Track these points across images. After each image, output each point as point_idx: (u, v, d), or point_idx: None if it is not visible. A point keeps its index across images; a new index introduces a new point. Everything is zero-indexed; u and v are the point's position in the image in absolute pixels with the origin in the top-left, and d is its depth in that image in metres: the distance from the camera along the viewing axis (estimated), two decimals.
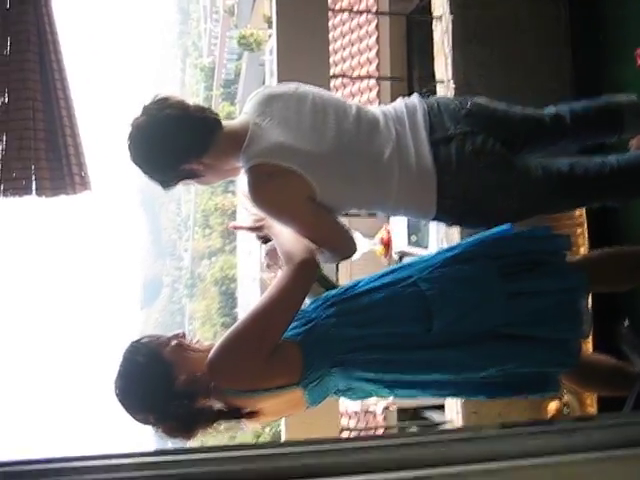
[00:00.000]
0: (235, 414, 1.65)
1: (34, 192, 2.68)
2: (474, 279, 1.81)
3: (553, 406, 2.87)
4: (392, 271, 1.92)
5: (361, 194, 1.96)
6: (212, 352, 1.62)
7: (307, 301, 1.85)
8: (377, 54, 5.88)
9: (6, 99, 2.74)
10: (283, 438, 2.94)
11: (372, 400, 5.43)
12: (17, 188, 2.66)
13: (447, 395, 1.92)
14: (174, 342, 1.72)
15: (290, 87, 2.01)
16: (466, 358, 1.74)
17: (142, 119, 1.84)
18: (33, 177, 2.67)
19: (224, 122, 1.92)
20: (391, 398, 5.42)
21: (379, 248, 3.70)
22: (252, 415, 1.65)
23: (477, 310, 1.76)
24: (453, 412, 3.03)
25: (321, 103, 1.97)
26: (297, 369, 1.64)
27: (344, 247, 1.95)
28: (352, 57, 6.41)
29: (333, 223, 1.93)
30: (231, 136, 1.89)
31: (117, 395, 1.68)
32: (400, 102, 2.07)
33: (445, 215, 1.99)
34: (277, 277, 1.72)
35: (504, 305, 1.77)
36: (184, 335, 1.77)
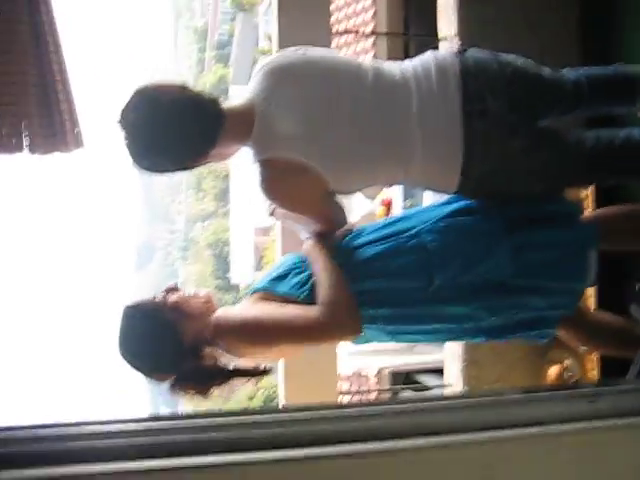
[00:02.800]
0: (249, 372, 1.73)
1: (26, 149, 2.61)
2: (479, 231, 1.78)
3: (554, 370, 2.86)
4: (395, 221, 1.90)
5: (380, 175, 1.83)
6: (224, 318, 1.70)
7: (302, 237, 1.88)
8: (374, 16, 5.78)
9: None
10: (281, 401, 2.93)
11: (365, 363, 5.47)
12: (8, 145, 2.59)
13: (447, 339, 1.92)
14: (171, 299, 1.73)
15: (296, 57, 1.83)
16: (468, 309, 1.75)
17: (142, 110, 1.66)
18: (24, 134, 2.60)
19: (227, 107, 1.76)
20: (385, 360, 5.49)
21: (380, 209, 3.66)
22: (265, 373, 1.73)
23: (479, 263, 1.74)
24: (453, 376, 3.01)
25: (332, 74, 1.79)
26: None
27: (338, 223, 1.89)
28: (348, 18, 6.30)
29: (335, 207, 1.86)
30: (237, 123, 1.73)
31: (126, 357, 1.68)
32: (429, 57, 1.85)
33: (465, 193, 1.85)
34: (316, 311, 1.65)
35: (508, 258, 1.75)
36: (177, 287, 1.78)
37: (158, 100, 1.66)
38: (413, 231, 1.79)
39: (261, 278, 1.89)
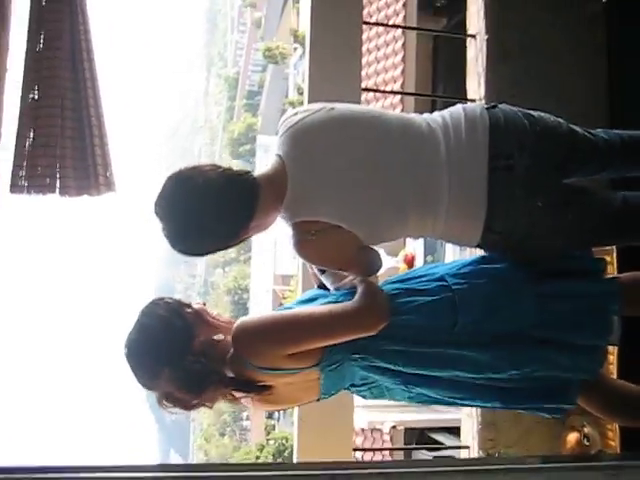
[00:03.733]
0: (248, 385, 1.67)
1: (57, 191, 2.66)
2: (503, 278, 1.79)
3: (572, 437, 2.80)
4: (419, 269, 1.95)
5: (410, 225, 1.82)
6: (249, 320, 1.69)
7: (331, 286, 1.88)
8: (402, 72, 5.88)
9: (36, 95, 2.72)
10: (295, 455, 2.89)
11: (380, 417, 5.40)
12: (41, 185, 2.64)
13: (463, 400, 1.87)
14: (195, 306, 1.75)
15: (323, 115, 1.82)
16: (489, 358, 1.72)
17: (178, 196, 1.67)
18: (57, 175, 2.65)
19: (259, 175, 1.77)
20: (400, 416, 5.42)
21: (402, 266, 3.66)
22: (264, 390, 1.67)
23: (504, 309, 1.74)
24: (469, 437, 2.96)
25: (359, 130, 1.80)
26: (318, 352, 1.67)
27: (374, 270, 1.88)
28: (377, 74, 6.42)
29: (369, 255, 1.84)
30: (271, 190, 1.74)
31: (130, 348, 1.67)
32: (458, 110, 1.86)
33: (487, 248, 1.87)
34: (353, 300, 1.69)
35: (533, 306, 1.75)
36: (205, 304, 1.79)
37: (191, 183, 1.67)
38: (438, 275, 1.81)
39: (285, 305, 1.91)
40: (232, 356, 1.69)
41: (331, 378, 1.72)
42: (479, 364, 1.73)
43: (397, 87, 5.86)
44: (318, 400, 1.79)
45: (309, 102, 3.12)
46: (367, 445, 6.45)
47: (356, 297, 1.69)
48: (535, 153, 1.76)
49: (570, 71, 3.13)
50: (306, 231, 1.72)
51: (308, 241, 1.73)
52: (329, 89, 3.11)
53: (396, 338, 1.71)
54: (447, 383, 1.78)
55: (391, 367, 1.74)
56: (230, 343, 1.72)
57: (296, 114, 1.84)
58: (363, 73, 6.37)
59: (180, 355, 1.65)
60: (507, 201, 1.74)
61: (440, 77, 5.50)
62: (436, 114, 1.88)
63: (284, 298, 17.12)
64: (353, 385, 1.81)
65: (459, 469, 0.83)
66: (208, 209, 1.65)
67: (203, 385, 1.66)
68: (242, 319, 1.71)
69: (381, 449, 5.62)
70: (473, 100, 3.14)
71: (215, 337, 1.72)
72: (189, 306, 1.75)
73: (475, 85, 3.13)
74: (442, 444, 5.40)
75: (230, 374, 1.69)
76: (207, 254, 1.79)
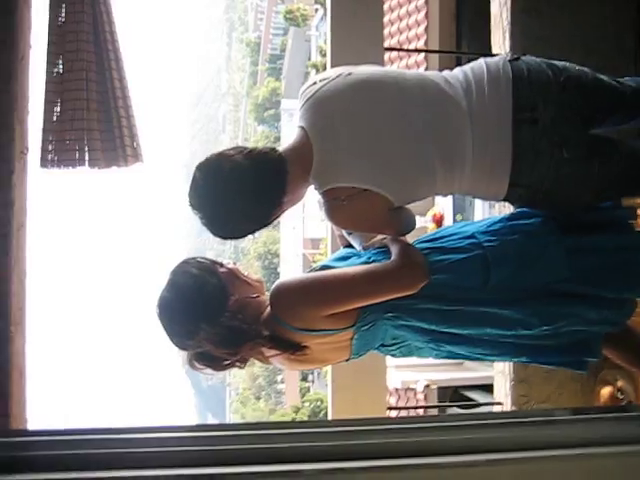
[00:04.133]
0: (285, 344, 1.68)
1: (87, 163, 2.69)
2: (533, 233, 1.80)
3: (606, 391, 2.81)
4: (449, 227, 1.95)
5: (438, 182, 1.81)
6: (288, 281, 1.72)
7: (359, 247, 1.89)
8: (426, 30, 5.79)
9: (60, 69, 2.75)
10: (330, 414, 2.94)
11: (413, 377, 5.45)
12: (71, 159, 2.68)
13: (491, 356, 1.89)
14: (228, 265, 1.77)
15: (339, 81, 1.80)
16: (520, 314, 1.74)
17: (209, 185, 1.68)
18: (86, 148, 2.68)
19: (285, 150, 1.78)
20: (434, 374, 5.46)
21: (431, 225, 3.66)
22: (300, 349, 1.69)
23: (535, 264, 1.75)
24: (502, 394, 2.98)
25: (379, 91, 1.79)
26: (354, 312, 1.70)
27: (408, 230, 1.89)
28: (400, 32, 6.32)
29: (402, 215, 1.85)
30: (298, 163, 1.75)
31: (164, 307, 1.69)
32: (480, 64, 1.83)
33: (513, 200, 1.87)
34: (392, 260, 1.71)
35: (562, 260, 1.75)
36: (235, 264, 1.82)
37: (220, 171, 1.68)
38: (468, 233, 1.83)
39: (319, 263, 1.93)
40: (268, 316, 1.72)
41: (364, 338, 1.75)
42: (510, 321, 1.75)
43: (421, 45, 5.78)
44: (347, 360, 1.82)
45: (332, 64, 3.10)
46: (401, 404, 6.52)
47: (394, 257, 1.71)
48: (560, 104, 1.74)
49: (597, 24, 3.06)
50: (336, 198, 1.72)
51: (340, 207, 1.73)
52: (351, 50, 3.09)
53: (429, 296, 1.73)
54: (477, 340, 1.80)
55: (424, 325, 1.77)
56: (263, 302, 1.76)
57: (314, 83, 1.83)
58: (386, 31, 6.31)
59: (217, 312, 1.67)
60: (533, 155, 1.73)
61: (464, 34, 5.40)
62: (457, 70, 1.86)
63: (314, 262, 17.17)
64: (383, 345, 1.83)
65: (488, 422, 0.85)
66: (240, 194, 1.67)
67: (241, 341, 1.68)
68: (281, 280, 1.74)
69: (415, 407, 5.67)
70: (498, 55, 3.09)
71: (249, 295, 1.75)
72: (221, 265, 1.78)
73: (500, 40, 3.08)
74: (475, 401, 5.44)
75: (265, 332, 1.70)
76: (248, 235, 1.81)
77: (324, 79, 1.83)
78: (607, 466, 0.83)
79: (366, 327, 1.73)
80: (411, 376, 5.51)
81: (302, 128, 1.79)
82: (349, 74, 1.82)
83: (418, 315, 1.75)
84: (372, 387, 2.88)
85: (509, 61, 1.81)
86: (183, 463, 0.84)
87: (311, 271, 1.85)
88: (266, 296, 1.78)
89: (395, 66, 6.36)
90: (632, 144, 1.89)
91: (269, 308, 1.72)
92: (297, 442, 0.88)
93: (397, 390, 6.46)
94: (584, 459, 0.82)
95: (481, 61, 1.85)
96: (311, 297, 1.68)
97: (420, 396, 6.22)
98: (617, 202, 1.92)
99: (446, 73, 1.86)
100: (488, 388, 4.35)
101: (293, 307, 1.68)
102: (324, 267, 1.83)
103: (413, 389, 6.09)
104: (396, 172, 1.75)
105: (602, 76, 1.84)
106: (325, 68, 4.38)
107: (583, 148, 1.76)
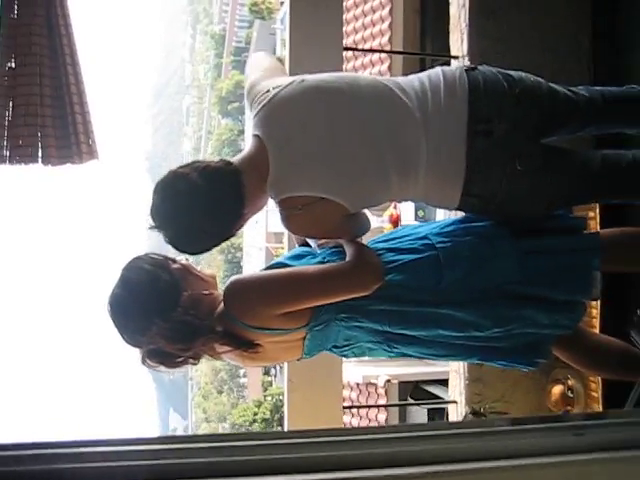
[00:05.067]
0: (238, 341, 1.68)
1: (40, 160, 2.64)
2: (485, 235, 1.81)
3: (557, 390, 2.86)
4: (403, 229, 1.96)
5: (392, 192, 1.81)
6: (242, 278, 1.73)
7: (314, 245, 1.89)
8: (390, 26, 5.80)
9: (12, 64, 2.69)
10: (286, 413, 2.94)
11: (374, 372, 5.49)
12: (24, 155, 2.62)
13: (443, 357, 1.92)
14: (179, 263, 1.76)
15: (292, 89, 1.78)
16: (472, 316, 1.75)
17: (167, 205, 1.66)
18: (39, 145, 2.63)
19: (240, 160, 1.75)
20: (394, 369, 5.51)
21: (388, 226, 3.68)
22: (253, 347, 1.68)
23: (487, 265, 1.77)
24: (456, 393, 3.02)
25: (331, 100, 1.77)
26: (308, 312, 1.70)
27: (362, 233, 1.88)
28: (365, 28, 6.32)
29: (358, 220, 1.85)
30: (255, 174, 1.72)
31: (116, 304, 1.67)
32: (437, 72, 1.82)
33: (467, 210, 1.87)
34: (347, 261, 1.71)
35: (515, 262, 1.77)
36: (188, 260, 1.80)
37: (175, 191, 1.66)
38: (421, 234, 1.85)
39: (274, 260, 1.92)
40: (222, 312, 1.70)
41: (316, 338, 1.75)
42: (462, 322, 1.77)
43: (385, 41, 5.78)
44: (299, 360, 1.82)
45: (291, 58, 3.09)
46: (362, 399, 6.57)
47: (349, 257, 1.71)
48: (514, 117, 1.75)
49: (553, 25, 3.10)
50: (293, 207, 1.72)
51: (296, 216, 1.73)
52: (311, 44, 3.08)
53: (382, 297, 1.73)
54: (429, 342, 1.82)
55: (377, 327, 1.77)
56: (217, 297, 1.74)
57: (268, 91, 1.80)
58: (350, 27, 6.32)
59: (170, 306, 1.65)
60: (486, 166, 1.74)
61: (428, 31, 5.43)
62: (413, 77, 1.86)
63: (276, 255, 17.16)
64: (336, 347, 1.84)
65: (428, 434, 0.86)
66: (198, 213, 1.66)
67: (194, 336, 1.67)
68: (235, 277, 1.73)
69: (370, 406, 5.73)
70: (456, 57, 3.12)
71: (203, 292, 1.74)
72: (174, 261, 1.76)
73: (458, 41, 3.10)
74: (436, 396, 5.51)
75: (219, 328, 1.69)
76: (214, 247, 1.79)
77: (277, 87, 1.80)
78: (546, 476, 0.85)
79: (319, 327, 1.74)
80: (372, 371, 5.55)
81: (257, 137, 1.77)
82: (302, 81, 1.80)
83: (371, 316, 1.75)
84: (329, 383, 2.88)
85: (466, 71, 1.81)
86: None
87: (266, 269, 1.85)
88: (220, 292, 1.77)
89: (358, 62, 6.36)
90: (585, 154, 1.91)
91: (222, 304, 1.71)
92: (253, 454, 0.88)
93: (358, 385, 6.50)
94: (523, 470, 0.84)
95: (438, 70, 1.84)
96: (265, 295, 1.68)
97: (381, 391, 6.27)
98: (568, 211, 1.95)
99: (401, 80, 1.85)
100: (448, 383, 4.41)
101: (246, 304, 1.67)
102: (279, 265, 1.83)
103: (374, 384, 6.14)
104: (352, 179, 1.75)
105: (556, 87, 1.86)
106: None
107: (536, 160, 1.78)
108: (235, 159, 1.76)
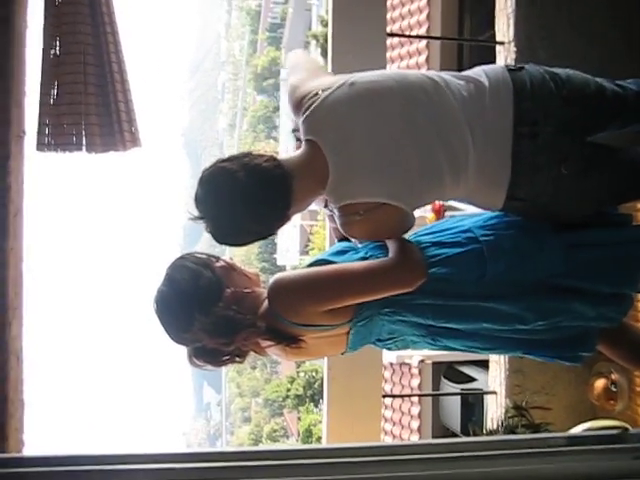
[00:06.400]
0: (280, 335, 1.70)
1: (84, 148, 2.66)
2: (530, 228, 1.80)
3: (600, 383, 2.83)
4: (446, 221, 1.94)
5: (445, 192, 1.80)
6: (286, 276, 1.73)
7: (355, 240, 1.88)
8: (428, 17, 5.71)
9: (57, 51, 2.70)
10: (325, 392, 2.93)
11: (408, 352, 5.50)
12: (68, 143, 2.64)
13: (487, 350, 1.91)
14: (222, 261, 1.78)
15: (344, 92, 1.74)
16: (516, 309, 1.74)
17: (214, 199, 1.64)
18: (83, 132, 2.65)
19: (291, 163, 1.71)
20: (426, 351, 5.52)
21: (430, 216, 3.64)
22: (295, 342, 1.70)
23: (531, 259, 1.76)
24: (496, 384, 3.00)
25: (385, 103, 1.74)
26: (352, 308, 1.70)
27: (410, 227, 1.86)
28: (402, 18, 6.24)
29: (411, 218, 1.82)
30: (308, 179, 1.70)
31: (160, 301, 1.70)
32: (479, 74, 1.79)
33: (510, 212, 1.83)
34: (390, 257, 1.70)
35: (560, 255, 1.76)
36: (232, 259, 1.83)
37: (221, 190, 1.64)
38: (465, 227, 1.83)
39: (316, 256, 1.92)
40: (266, 310, 1.72)
41: (360, 333, 1.76)
42: (506, 316, 1.75)
43: (422, 32, 5.69)
44: (342, 354, 1.82)
45: (333, 36, 3.05)
46: (396, 379, 6.60)
47: (392, 254, 1.70)
48: (561, 119, 1.71)
49: (602, 12, 3.01)
50: (354, 213, 1.70)
51: (357, 222, 1.72)
52: (353, 23, 3.04)
53: (426, 291, 1.72)
54: (473, 335, 1.81)
55: (420, 321, 1.77)
56: (260, 295, 1.76)
57: (317, 95, 1.76)
58: (388, 16, 6.22)
59: (211, 303, 1.67)
60: (531, 169, 1.71)
61: (467, 20, 5.32)
62: (453, 77, 1.80)
63: (311, 233, 17.16)
64: (379, 340, 1.84)
65: (479, 454, 0.85)
66: (243, 213, 1.64)
67: (235, 329, 1.68)
68: (279, 275, 1.74)
69: (410, 395, 5.74)
70: (502, 43, 3.05)
71: (245, 289, 1.75)
72: (218, 259, 1.78)
73: (504, 28, 3.03)
74: (469, 376, 5.50)
75: (261, 324, 1.71)
76: (254, 242, 1.80)
77: (326, 89, 1.77)
78: None
79: (362, 323, 1.74)
80: (406, 351, 5.57)
81: (312, 142, 1.73)
82: (352, 83, 1.77)
83: (415, 311, 1.75)
84: (368, 362, 2.84)
85: (510, 70, 1.77)
86: None
87: (309, 265, 1.85)
88: (263, 289, 1.78)
89: (395, 52, 6.29)
90: (633, 151, 1.87)
91: (266, 302, 1.72)
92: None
93: (392, 365, 6.53)
94: None
95: (480, 70, 1.81)
96: (309, 293, 1.69)
97: (415, 371, 6.29)
98: (614, 208, 1.91)
99: (445, 76, 1.81)
100: (483, 363, 4.39)
101: (291, 302, 1.68)
102: (321, 261, 1.82)
103: (408, 364, 6.15)
104: (411, 182, 1.72)
105: (604, 83, 1.81)
106: (326, 39, 4.31)
107: (582, 163, 1.74)
108: (286, 161, 1.72)
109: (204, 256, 1.77)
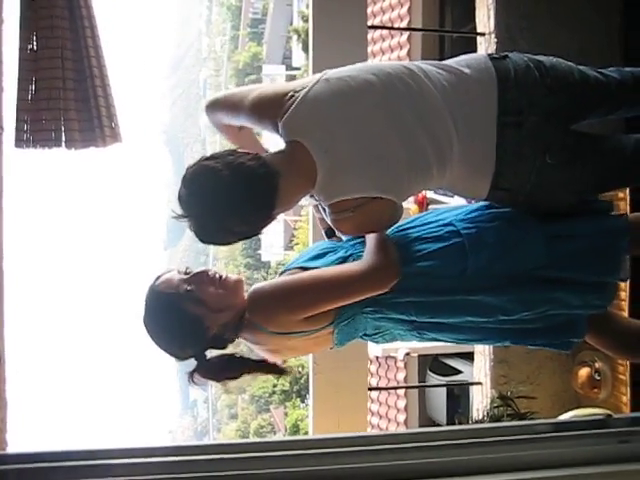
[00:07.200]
0: (264, 367, 1.74)
1: (63, 144, 2.63)
2: (511, 220, 1.80)
3: (584, 372, 2.84)
4: (426, 215, 1.93)
5: (433, 181, 1.79)
6: (262, 288, 1.72)
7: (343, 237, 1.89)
8: (409, 10, 5.70)
9: (34, 46, 2.67)
10: (311, 392, 2.95)
11: (394, 345, 5.52)
12: (47, 139, 2.61)
13: (475, 341, 1.92)
14: (194, 279, 1.71)
15: (321, 89, 1.72)
16: (500, 301, 1.75)
17: (197, 197, 1.61)
18: (62, 128, 2.62)
19: (277, 161, 1.68)
20: (414, 343, 5.54)
21: (413, 207, 3.64)
22: (284, 372, 1.77)
23: (514, 251, 1.76)
24: (481, 374, 3.01)
25: (366, 93, 1.72)
26: (331, 312, 1.70)
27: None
28: (383, 12, 6.23)
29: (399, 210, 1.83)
30: (296, 178, 1.69)
31: (150, 331, 1.72)
32: (461, 63, 1.78)
33: (495, 201, 1.84)
34: (365, 259, 1.70)
35: (542, 246, 1.76)
36: (207, 272, 1.75)
37: (205, 188, 1.60)
38: (446, 221, 1.82)
39: (293, 260, 1.91)
40: (248, 320, 1.72)
41: (344, 332, 1.76)
42: (490, 308, 1.76)
43: (404, 25, 5.67)
44: (331, 348, 1.82)
45: (313, 31, 3.03)
46: (382, 372, 6.62)
47: (367, 255, 1.70)
48: (545, 108, 1.71)
49: (583, 3, 3.02)
50: (346, 209, 1.69)
51: (348, 218, 1.71)
52: (333, 24, 3.03)
53: (408, 288, 1.72)
54: (459, 327, 1.81)
55: (404, 317, 1.77)
56: (243, 302, 1.74)
57: (292, 96, 1.72)
58: (369, 10, 6.21)
59: (198, 352, 1.72)
60: (515, 159, 1.71)
61: (448, 14, 5.32)
62: (434, 67, 1.79)
63: (295, 229, 17.17)
64: (366, 334, 1.84)
65: (466, 442, 0.84)
66: (226, 213, 1.62)
67: (227, 375, 1.73)
68: (255, 286, 1.73)
69: (393, 387, 5.75)
70: (482, 34, 3.05)
71: (222, 322, 1.71)
72: (189, 282, 1.70)
73: (485, 19, 3.03)
74: (455, 368, 5.52)
75: (248, 335, 1.75)
76: (239, 242, 1.78)
77: (300, 89, 1.74)
78: None
79: (345, 322, 1.74)
80: (392, 344, 5.58)
81: (296, 142, 1.70)
82: (327, 80, 1.74)
83: (397, 308, 1.75)
84: (353, 352, 2.84)
85: (493, 59, 1.76)
86: None
87: (285, 271, 1.84)
88: (244, 293, 1.76)
89: (377, 47, 6.27)
90: (616, 139, 1.87)
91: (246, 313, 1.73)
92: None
93: (377, 358, 6.55)
94: None
95: (461, 60, 1.80)
96: (285, 303, 1.68)
97: (400, 364, 6.31)
98: (595, 197, 1.91)
99: (424, 65, 1.80)
100: (468, 356, 4.41)
101: (268, 314, 1.69)
102: (298, 268, 1.81)
103: (394, 357, 6.17)
104: (400, 173, 1.71)
105: (587, 70, 1.81)
106: (307, 34, 4.29)
107: (566, 152, 1.74)
108: (271, 160, 1.68)
109: (176, 297, 1.69)
